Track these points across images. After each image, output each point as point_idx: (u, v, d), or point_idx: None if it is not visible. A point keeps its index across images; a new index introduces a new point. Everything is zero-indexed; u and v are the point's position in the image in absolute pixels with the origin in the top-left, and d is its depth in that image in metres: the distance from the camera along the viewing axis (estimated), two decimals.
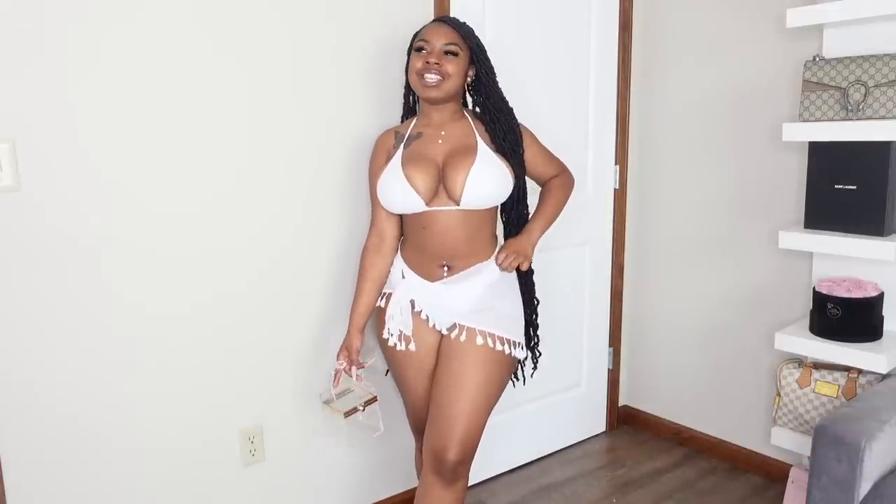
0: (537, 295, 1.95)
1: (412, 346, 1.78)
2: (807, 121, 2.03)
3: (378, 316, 1.85)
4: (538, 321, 1.96)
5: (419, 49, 1.72)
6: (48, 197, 1.61)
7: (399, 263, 1.81)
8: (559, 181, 1.89)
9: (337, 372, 1.84)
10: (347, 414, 1.80)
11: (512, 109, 1.81)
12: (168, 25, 1.72)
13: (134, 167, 1.71)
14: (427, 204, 1.70)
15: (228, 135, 1.85)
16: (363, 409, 1.80)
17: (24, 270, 1.60)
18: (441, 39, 1.70)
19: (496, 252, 1.79)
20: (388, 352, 1.84)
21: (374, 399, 1.83)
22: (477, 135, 1.75)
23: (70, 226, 1.65)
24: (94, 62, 1.63)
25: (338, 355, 1.86)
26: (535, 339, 1.96)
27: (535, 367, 1.99)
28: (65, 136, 1.61)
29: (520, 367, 1.94)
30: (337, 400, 1.83)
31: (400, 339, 1.78)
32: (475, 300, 1.74)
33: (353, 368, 1.84)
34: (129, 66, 1.68)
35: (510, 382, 1.85)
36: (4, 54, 1.52)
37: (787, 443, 2.17)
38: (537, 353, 1.98)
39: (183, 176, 1.79)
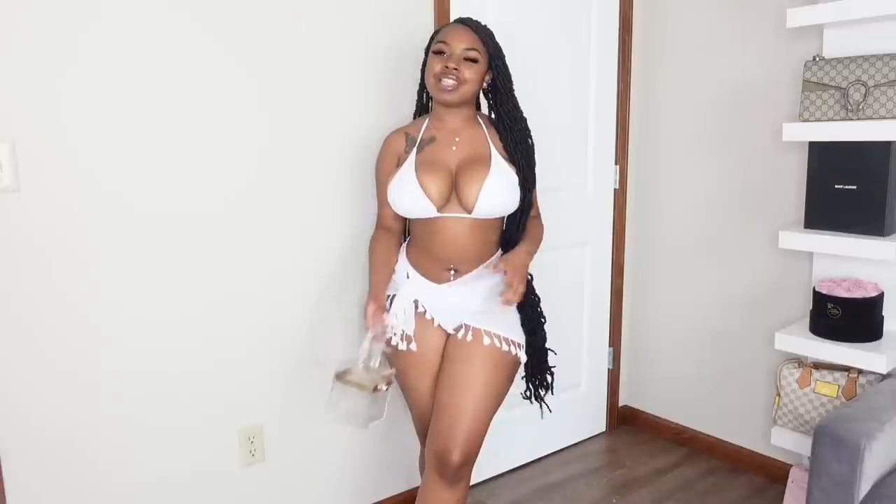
0: (541, 308, 1.88)
1: (413, 346, 1.77)
2: (807, 121, 2.03)
3: None
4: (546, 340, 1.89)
5: (439, 52, 1.70)
6: (48, 197, 1.61)
7: (404, 265, 1.80)
8: (538, 222, 1.89)
9: (376, 336, 1.69)
10: (376, 389, 1.65)
11: (525, 119, 1.79)
12: (172, 26, 1.71)
13: (136, 168, 1.71)
14: (438, 210, 1.70)
15: (233, 137, 1.84)
16: (386, 389, 1.67)
17: (23, 271, 1.60)
18: (462, 43, 1.68)
19: (505, 288, 1.66)
20: (391, 353, 1.83)
21: (392, 377, 1.70)
22: (491, 143, 1.75)
23: (70, 226, 1.64)
24: (96, 63, 1.63)
25: (366, 312, 1.70)
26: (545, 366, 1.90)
27: (541, 392, 1.93)
28: (65, 137, 1.61)
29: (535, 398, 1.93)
30: (357, 373, 1.68)
31: (402, 339, 1.77)
32: (481, 301, 1.75)
33: (385, 318, 1.71)
34: (132, 68, 1.68)
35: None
36: (5, 54, 1.52)
37: (787, 443, 2.17)
38: (547, 381, 1.92)
39: (186, 178, 1.79)
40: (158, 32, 1.70)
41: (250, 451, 1.99)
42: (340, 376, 1.70)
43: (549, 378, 1.93)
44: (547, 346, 1.91)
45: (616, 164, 2.79)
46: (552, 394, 1.97)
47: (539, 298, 1.87)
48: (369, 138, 2.04)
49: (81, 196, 1.65)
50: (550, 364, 1.93)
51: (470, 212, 1.70)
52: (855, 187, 1.97)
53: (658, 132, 2.77)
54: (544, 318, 1.88)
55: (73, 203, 1.64)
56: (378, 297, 1.74)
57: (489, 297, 1.76)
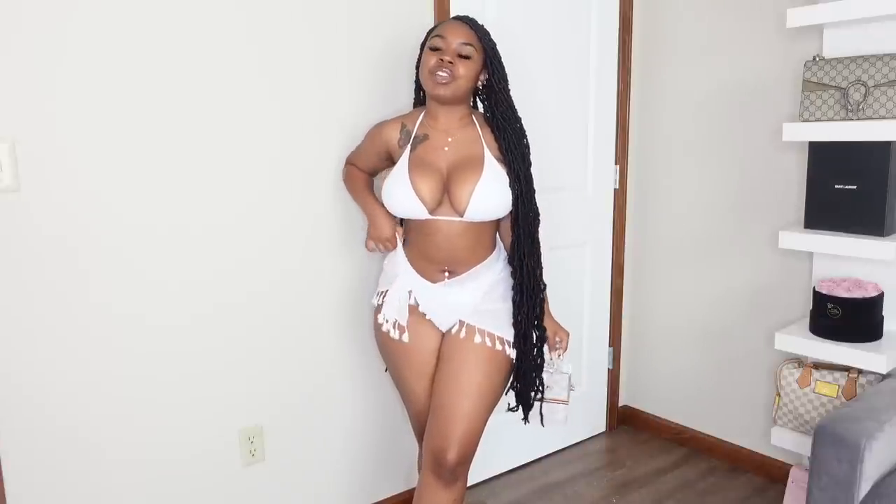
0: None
1: (405, 337, 1.77)
2: (807, 121, 2.03)
3: (375, 312, 1.84)
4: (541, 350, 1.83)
5: (434, 47, 1.69)
6: (48, 197, 1.61)
7: (402, 263, 1.80)
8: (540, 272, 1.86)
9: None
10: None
11: (521, 119, 1.77)
12: (172, 26, 1.72)
13: (136, 168, 1.71)
14: (431, 213, 1.70)
15: (233, 135, 1.84)
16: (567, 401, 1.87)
17: (24, 271, 1.60)
18: (457, 38, 1.68)
19: (559, 346, 1.84)
20: (385, 347, 1.83)
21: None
22: (484, 144, 1.73)
23: (70, 226, 1.64)
24: (97, 62, 1.63)
25: (367, 243, 1.84)
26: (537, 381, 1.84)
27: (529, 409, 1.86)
28: (65, 137, 1.61)
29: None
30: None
31: (394, 327, 1.77)
32: (476, 302, 1.75)
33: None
34: (133, 67, 1.68)
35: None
36: (5, 54, 1.52)
37: (787, 443, 2.17)
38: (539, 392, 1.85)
39: (186, 178, 1.79)
40: (158, 32, 1.70)
41: (250, 451, 1.99)
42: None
43: (531, 394, 1.83)
44: (544, 364, 1.84)
45: (616, 164, 2.79)
46: (542, 415, 1.90)
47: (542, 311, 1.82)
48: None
49: (81, 196, 1.65)
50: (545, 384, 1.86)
51: (461, 215, 1.69)
52: (855, 187, 1.97)
53: (658, 132, 2.77)
54: (539, 329, 1.80)
55: (73, 203, 1.64)
56: (383, 219, 1.81)
57: (483, 297, 1.75)
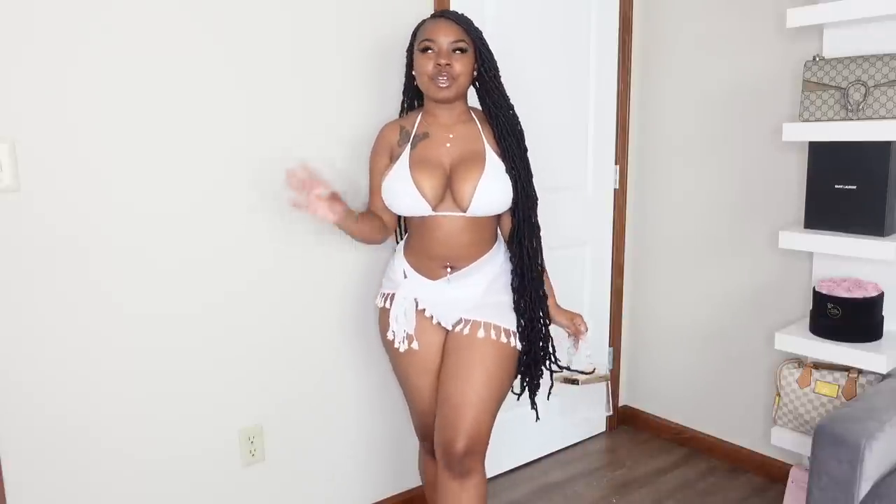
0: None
1: (415, 345, 1.77)
2: (807, 121, 2.03)
3: (382, 317, 1.85)
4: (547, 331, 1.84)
5: (425, 49, 1.68)
6: (48, 197, 1.61)
7: (401, 263, 1.81)
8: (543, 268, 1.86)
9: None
10: (567, 381, 1.89)
11: (513, 106, 1.77)
12: (169, 26, 1.72)
13: (134, 167, 1.71)
14: (433, 209, 1.70)
15: (229, 134, 1.85)
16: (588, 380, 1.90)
17: (23, 270, 1.60)
18: (448, 37, 1.67)
19: (583, 326, 1.86)
20: (392, 352, 1.83)
21: (600, 378, 1.91)
22: (485, 140, 1.73)
23: (70, 226, 1.64)
24: (96, 63, 1.63)
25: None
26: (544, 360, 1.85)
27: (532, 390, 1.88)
28: (65, 136, 1.61)
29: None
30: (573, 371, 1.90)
31: (404, 340, 1.77)
32: (478, 295, 1.75)
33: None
34: (132, 67, 1.68)
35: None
36: (5, 54, 1.52)
37: (787, 443, 2.17)
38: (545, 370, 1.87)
39: (185, 176, 1.79)
40: (158, 32, 1.70)
41: (250, 451, 1.99)
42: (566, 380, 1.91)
43: (537, 380, 1.86)
44: (553, 352, 1.86)
45: (616, 164, 2.79)
46: (546, 398, 1.93)
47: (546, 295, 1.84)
48: (366, 135, 2.04)
49: (81, 196, 1.65)
50: (556, 369, 1.88)
51: (464, 211, 1.69)
52: (855, 187, 1.97)
53: (658, 132, 2.77)
54: (545, 320, 1.83)
55: (72, 203, 1.64)
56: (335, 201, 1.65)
57: (485, 291, 1.75)
